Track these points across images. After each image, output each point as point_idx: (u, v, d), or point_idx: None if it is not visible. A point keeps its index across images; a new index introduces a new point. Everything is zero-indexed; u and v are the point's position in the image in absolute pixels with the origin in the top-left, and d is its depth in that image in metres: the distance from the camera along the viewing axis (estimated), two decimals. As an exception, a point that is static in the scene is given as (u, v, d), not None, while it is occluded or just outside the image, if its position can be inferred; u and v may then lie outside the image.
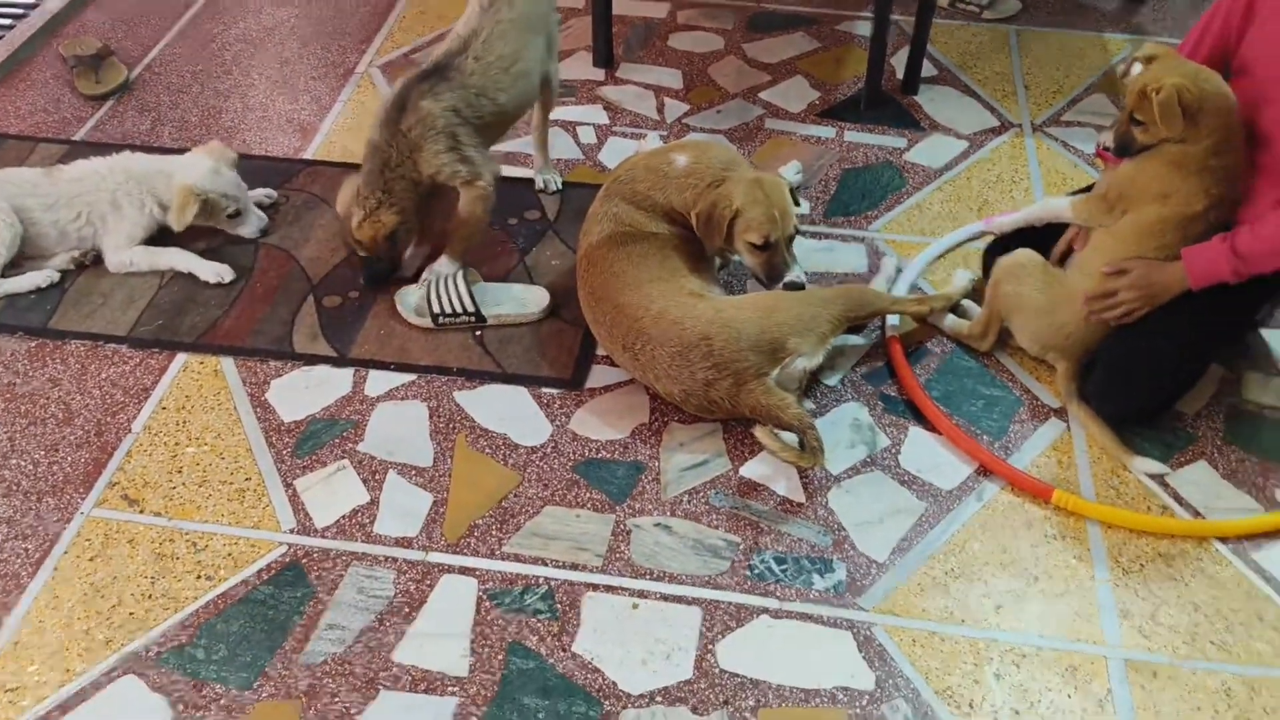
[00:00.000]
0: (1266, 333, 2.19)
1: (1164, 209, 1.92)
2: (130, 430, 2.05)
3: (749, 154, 2.66)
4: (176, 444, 2.03)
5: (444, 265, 2.28)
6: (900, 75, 2.86)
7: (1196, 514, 1.89)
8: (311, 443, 2.03)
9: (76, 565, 1.83)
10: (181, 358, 2.19)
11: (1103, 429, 1.98)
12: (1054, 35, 3.09)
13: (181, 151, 2.42)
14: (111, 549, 1.86)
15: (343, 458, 2.00)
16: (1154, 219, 1.93)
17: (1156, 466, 1.94)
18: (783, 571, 1.83)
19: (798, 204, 2.12)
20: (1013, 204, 2.40)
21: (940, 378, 2.13)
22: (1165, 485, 1.94)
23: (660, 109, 2.82)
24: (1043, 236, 2.13)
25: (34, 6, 3.16)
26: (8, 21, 3.11)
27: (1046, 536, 1.87)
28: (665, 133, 2.73)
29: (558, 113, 2.76)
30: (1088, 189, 2.10)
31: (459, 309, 2.22)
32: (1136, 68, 1.92)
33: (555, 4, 2.40)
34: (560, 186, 2.54)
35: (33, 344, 2.21)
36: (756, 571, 1.82)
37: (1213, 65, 1.95)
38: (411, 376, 2.16)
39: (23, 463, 2.00)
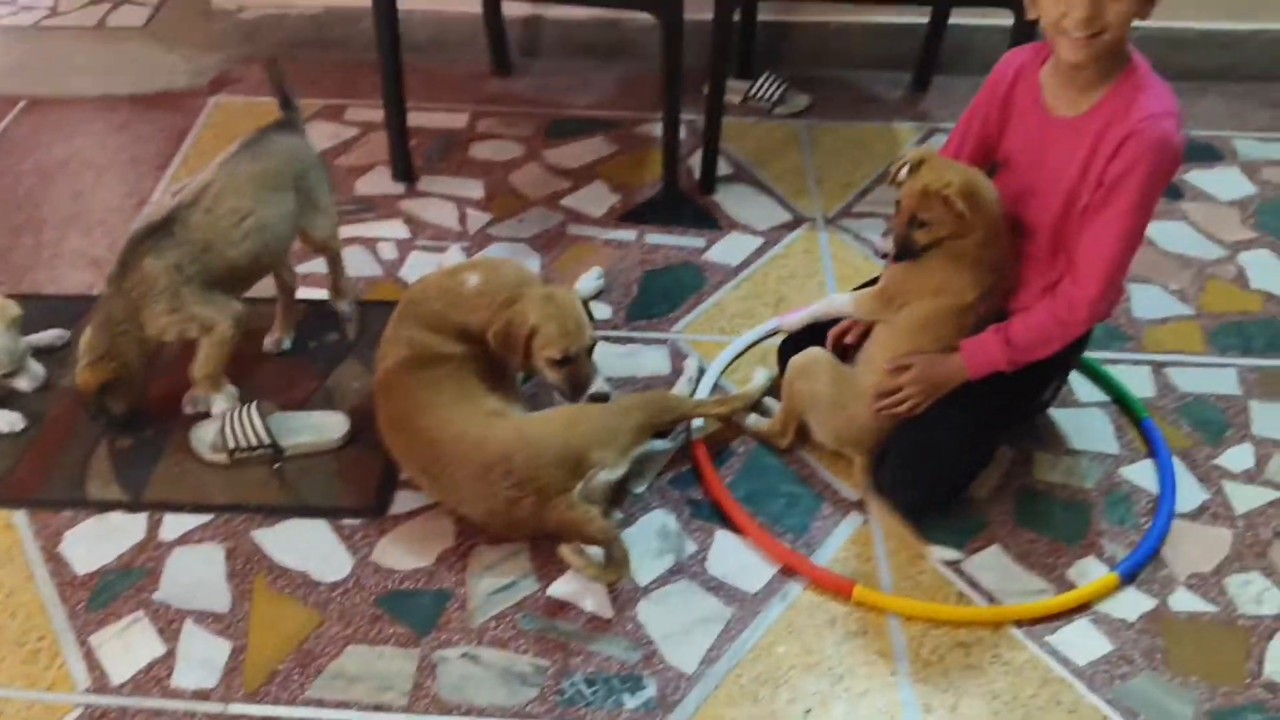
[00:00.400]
0: (1054, 412, 2.28)
1: (938, 302, 1.99)
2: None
3: (552, 261, 2.68)
4: (-31, 605, 1.92)
5: (223, 400, 2.22)
6: (698, 175, 2.92)
7: (992, 599, 1.93)
8: (106, 595, 1.93)
9: None
10: (-28, 512, 2.07)
11: (898, 519, 2.01)
12: (843, 128, 3.20)
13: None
14: (-98, 726, 1.73)
15: (138, 609, 1.91)
16: (930, 312, 2.00)
17: (951, 554, 1.98)
18: (593, 694, 1.79)
19: (592, 318, 2.12)
20: (808, 298, 2.45)
21: (744, 477, 2.14)
22: (961, 572, 1.98)
23: (463, 220, 2.81)
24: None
25: None
26: None
27: (849, 633, 1.88)
28: (468, 244, 2.72)
29: (358, 229, 2.74)
30: (872, 282, 2.17)
31: (254, 442, 2.15)
32: (904, 173, 1.99)
33: (316, 162, 2.35)
34: (351, 315, 2.47)
35: None
36: (566, 696, 1.78)
37: (976, 162, 2.04)
38: (208, 517, 2.07)
39: None
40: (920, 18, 3.28)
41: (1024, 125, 1.98)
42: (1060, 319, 1.92)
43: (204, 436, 2.19)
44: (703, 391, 2.30)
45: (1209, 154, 3.09)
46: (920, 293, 2.00)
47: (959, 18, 3.25)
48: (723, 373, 2.36)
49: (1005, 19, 2.69)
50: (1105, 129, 1.83)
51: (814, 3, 3.28)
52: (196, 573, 1.97)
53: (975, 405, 2.00)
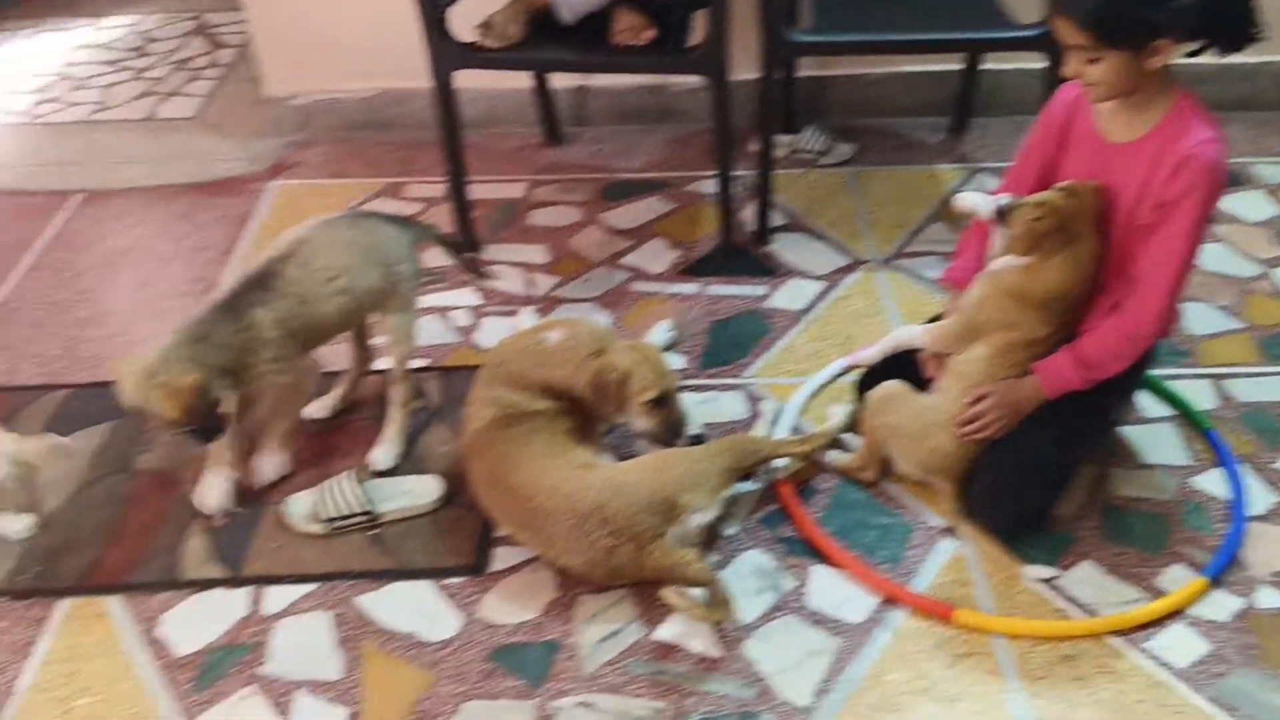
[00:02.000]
0: (1125, 429, 2.33)
1: (1011, 336, 2.07)
2: (13, 691, 1.94)
3: (620, 317, 2.75)
4: (68, 696, 1.92)
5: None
6: (752, 227, 3.01)
7: (1090, 612, 1.97)
8: (212, 674, 1.95)
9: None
10: (65, 604, 2.08)
11: (991, 542, 2.06)
12: (889, 173, 3.30)
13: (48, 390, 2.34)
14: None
15: (247, 684, 1.93)
16: (1003, 345, 2.07)
17: (1046, 571, 2.03)
18: (712, 732, 1.82)
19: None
20: (873, 335, 2.51)
21: (832, 513, 2.19)
22: (1056, 588, 2.02)
23: (530, 285, 2.90)
24: (909, 362, 2.24)
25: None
26: None
27: (957, 656, 1.92)
28: (539, 307, 2.80)
29: (429, 299, 2.79)
30: (938, 318, 2.24)
31: (351, 510, 2.20)
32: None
33: (412, 263, 2.36)
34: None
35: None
36: (686, 736, 1.82)
37: (1036, 191, 2.11)
38: (311, 586, 2.11)
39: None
40: (953, 65, 3.40)
41: (1081, 153, 2.07)
42: (1128, 334, 1.99)
43: (299, 508, 2.23)
44: (781, 432, 2.36)
45: (1234, 179, 3.18)
46: (994, 327, 2.08)
47: (990, 63, 3.36)
48: (800, 413, 2.42)
49: (1034, 61, 2.78)
50: (1160, 152, 1.91)
51: (850, 56, 3.38)
52: (304, 643, 2.00)
53: (1056, 425, 2.05)
